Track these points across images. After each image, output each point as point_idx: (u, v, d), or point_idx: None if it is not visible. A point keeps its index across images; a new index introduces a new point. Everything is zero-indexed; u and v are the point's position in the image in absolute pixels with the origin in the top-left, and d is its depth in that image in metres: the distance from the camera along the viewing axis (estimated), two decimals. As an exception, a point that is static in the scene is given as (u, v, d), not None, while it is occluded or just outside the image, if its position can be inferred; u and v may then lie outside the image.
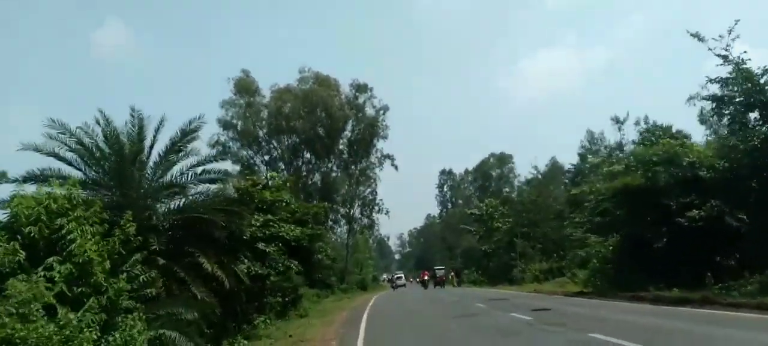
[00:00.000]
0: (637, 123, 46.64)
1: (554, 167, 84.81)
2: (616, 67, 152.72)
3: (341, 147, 58.81)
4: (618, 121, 47.20)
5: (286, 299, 24.33)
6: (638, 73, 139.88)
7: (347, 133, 58.42)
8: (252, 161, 56.16)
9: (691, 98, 38.35)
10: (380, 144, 60.47)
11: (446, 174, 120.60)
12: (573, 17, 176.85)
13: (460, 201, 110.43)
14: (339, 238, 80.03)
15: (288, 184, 30.06)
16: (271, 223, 21.60)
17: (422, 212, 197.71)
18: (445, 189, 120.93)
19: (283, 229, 22.02)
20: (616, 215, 27.15)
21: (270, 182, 27.62)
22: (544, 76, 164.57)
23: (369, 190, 64.61)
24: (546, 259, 47.09)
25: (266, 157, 57.06)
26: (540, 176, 55.44)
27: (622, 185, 25.49)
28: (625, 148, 47.65)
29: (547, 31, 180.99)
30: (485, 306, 23.29)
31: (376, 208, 64.82)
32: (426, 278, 59.50)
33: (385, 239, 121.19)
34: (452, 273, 62.34)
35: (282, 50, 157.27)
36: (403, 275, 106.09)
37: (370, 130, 58.59)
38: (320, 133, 56.08)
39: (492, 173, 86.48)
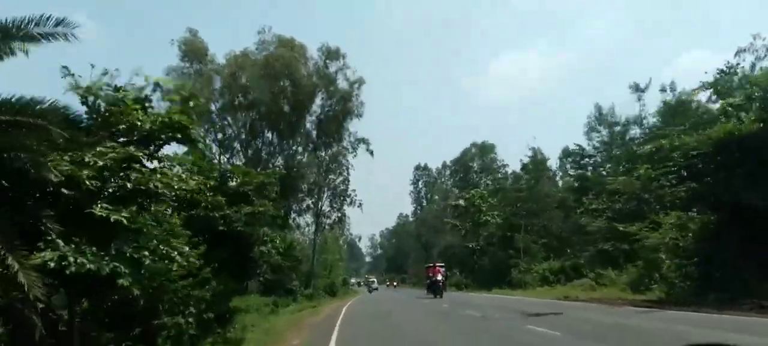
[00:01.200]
0: (663, 90, 38.25)
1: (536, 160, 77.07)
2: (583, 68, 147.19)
3: (309, 126, 49.19)
4: (637, 89, 38.70)
5: (206, 316, 14.65)
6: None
7: (316, 108, 48.83)
8: (200, 143, 46.11)
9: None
10: (353, 125, 51.11)
11: (421, 169, 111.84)
12: (542, 21, 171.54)
13: (436, 197, 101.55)
14: (306, 237, 70.58)
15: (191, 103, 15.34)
16: (137, 163, 10.32)
17: (393, 212, 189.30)
18: (419, 185, 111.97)
19: (175, 182, 10.63)
20: (706, 181, 18.32)
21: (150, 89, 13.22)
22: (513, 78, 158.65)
23: (340, 179, 55.19)
24: (554, 256, 38.27)
25: (219, 136, 47.00)
26: (539, 156, 46.49)
27: (724, 133, 16.73)
28: (644, 122, 39.30)
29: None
30: (547, 331, 13.55)
31: (348, 200, 55.38)
32: (439, 277, 38.79)
33: (356, 239, 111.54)
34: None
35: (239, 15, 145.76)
36: (376, 279, 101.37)
37: (343, 107, 49.07)
38: (284, 108, 46.34)
39: (472, 164, 77.75)
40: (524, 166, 44.88)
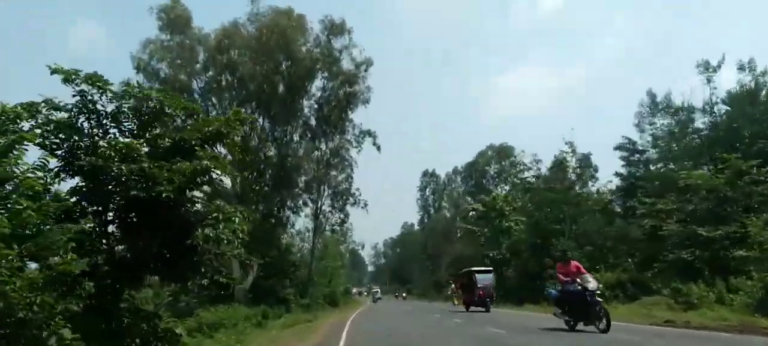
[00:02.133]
0: (741, 68, 30.80)
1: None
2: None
3: (306, 111, 41.94)
4: (708, 68, 31.35)
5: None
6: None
7: (315, 91, 41.61)
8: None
9: None
10: (358, 116, 44.00)
11: (429, 176, 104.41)
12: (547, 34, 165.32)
13: (446, 204, 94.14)
14: (304, 243, 63.15)
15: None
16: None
17: (397, 221, 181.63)
18: (427, 192, 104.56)
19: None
20: None
21: None
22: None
23: (343, 176, 47.90)
24: (610, 267, 30.72)
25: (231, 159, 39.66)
26: (575, 153, 38.76)
27: None
28: (714, 109, 31.87)
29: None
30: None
31: (351, 199, 48.03)
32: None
33: (359, 248, 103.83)
34: (453, 287, 44.87)
35: None
36: (379, 290, 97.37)
37: (347, 92, 41.84)
38: (278, 88, 39.12)
39: (488, 168, 70.25)
40: (560, 163, 37.41)
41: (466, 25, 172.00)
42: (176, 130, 10.92)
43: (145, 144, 10.48)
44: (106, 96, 10.08)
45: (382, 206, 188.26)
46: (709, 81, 31.42)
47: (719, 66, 31.30)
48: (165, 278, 11.08)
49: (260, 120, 40.21)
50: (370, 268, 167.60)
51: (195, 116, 11.27)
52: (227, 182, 39.73)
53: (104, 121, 10.14)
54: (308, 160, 39.07)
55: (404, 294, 78.59)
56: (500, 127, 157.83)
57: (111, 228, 10.49)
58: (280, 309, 36.22)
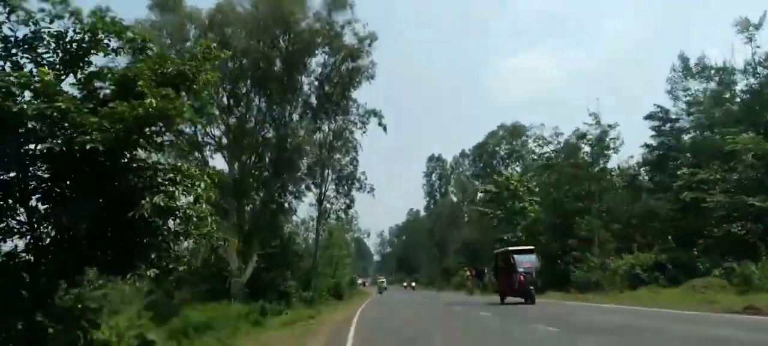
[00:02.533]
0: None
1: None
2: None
3: (306, 89, 38.91)
4: (747, 27, 28.03)
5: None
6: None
7: (316, 67, 38.54)
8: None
9: None
10: (362, 94, 41.09)
11: (435, 160, 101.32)
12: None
13: (453, 189, 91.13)
14: (308, 231, 60.30)
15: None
16: None
17: (403, 208, 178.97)
18: (433, 177, 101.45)
19: None
20: None
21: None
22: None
23: (348, 159, 44.97)
24: (643, 246, 27.63)
25: (197, 105, 36.67)
26: (599, 125, 35.04)
27: None
28: (757, 70, 28.59)
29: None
30: None
31: (356, 184, 45.10)
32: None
33: (364, 236, 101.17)
34: (468, 275, 41.60)
35: None
36: (385, 280, 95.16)
37: (350, 68, 38.77)
38: (276, 64, 36.07)
39: (498, 149, 66.94)
40: (582, 136, 34.17)
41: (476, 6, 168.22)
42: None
43: (77, 87, 7.59)
44: (18, 16, 7.16)
45: (388, 193, 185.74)
46: (750, 40, 28.25)
47: (761, 24, 28.11)
48: (103, 269, 8.13)
49: (257, 100, 37.28)
50: (376, 257, 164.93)
51: (146, 50, 8.32)
52: (223, 165, 37.01)
53: (13, 50, 7.21)
54: (310, 141, 36.04)
55: (413, 284, 75.44)
56: (510, 109, 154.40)
57: (35, 202, 7.59)
58: (281, 305, 33.41)
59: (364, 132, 44.14)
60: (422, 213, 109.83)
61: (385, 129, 43.88)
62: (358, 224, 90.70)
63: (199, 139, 35.50)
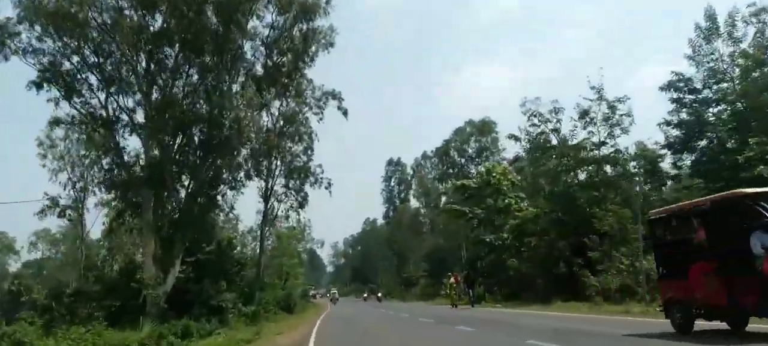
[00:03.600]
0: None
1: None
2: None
3: (251, 55, 30.97)
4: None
5: None
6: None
7: (263, 29, 30.69)
8: (76, 76, 27.30)
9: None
10: (317, 73, 33.58)
11: (394, 164, 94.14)
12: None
13: (414, 194, 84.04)
14: (254, 239, 51.92)
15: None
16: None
17: (358, 218, 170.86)
18: (391, 183, 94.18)
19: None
20: None
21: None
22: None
23: (301, 147, 37.04)
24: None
25: (106, 72, 27.82)
26: (603, 101, 27.82)
27: None
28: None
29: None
30: None
31: (311, 178, 37.16)
32: None
33: (318, 246, 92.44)
34: (452, 282, 33.25)
35: None
36: (337, 291, 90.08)
37: (304, 31, 31.05)
38: (209, 19, 27.81)
39: (466, 147, 59.97)
40: (584, 114, 27.21)
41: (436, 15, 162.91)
42: None
43: None
44: None
45: (343, 202, 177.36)
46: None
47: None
48: None
49: (187, 67, 28.98)
50: (329, 268, 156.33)
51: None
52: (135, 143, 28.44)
53: None
54: (253, 120, 27.84)
55: (379, 294, 66.41)
56: (470, 114, 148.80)
57: None
58: (212, 323, 25.27)
59: (320, 118, 36.55)
60: (380, 222, 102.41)
61: (345, 114, 36.47)
62: (311, 233, 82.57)
63: (111, 113, 27.10)
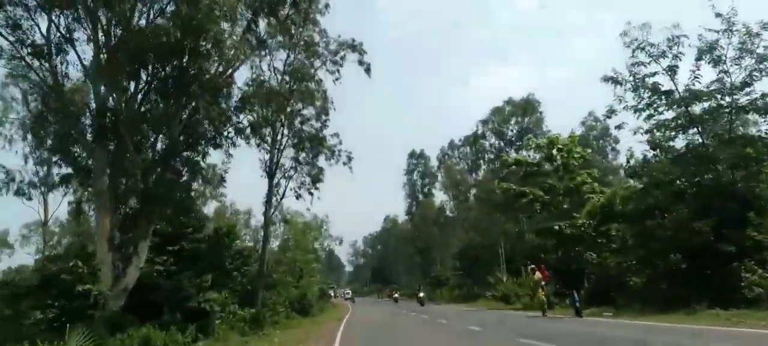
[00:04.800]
0: None
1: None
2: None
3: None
4: None
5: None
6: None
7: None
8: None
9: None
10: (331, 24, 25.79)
11: (417, 157, 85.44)
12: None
13: (440, 187, 75.31)
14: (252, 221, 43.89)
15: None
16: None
17: (377, 217, 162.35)
18: (414, 176, 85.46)
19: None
20: None
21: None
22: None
23: (313, 111, 28.75)
24: None
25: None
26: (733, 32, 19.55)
27: None
28: None
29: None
30: None
31: (326, 151, 28.84)
32: None
33: (336, 243, 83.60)
34: (540, 275, 23.34)
35: None
36: (351, 291, 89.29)
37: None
38: None
39: (504, 129, 50.98)
40: (709, 49, 18.31)
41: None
42: None
43: None
44: None
45: (362, 197, 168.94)
46: None
47: None
48: None
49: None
50: (348, 268, 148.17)
51: None
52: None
53: None
54: (242, 47, 19.42)
55: (396, 295, 57.79)
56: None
57: None
58: (188, 331, 17.19)
59: (336, 78, 28.17)
60: (402, 219, 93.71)
61: (368, 70, 28.17)
62: (329, 230, 74.39)
63: (52, 37, 18.91)
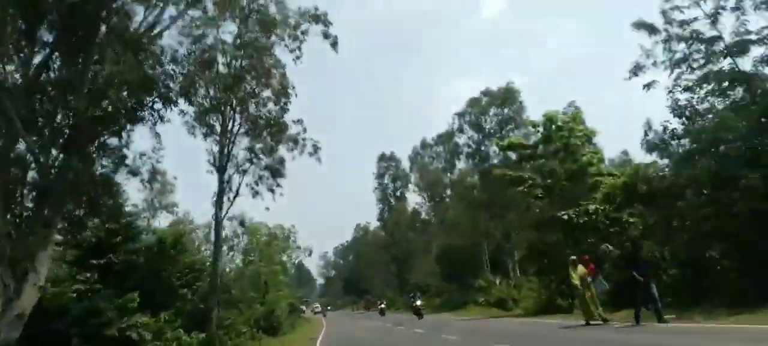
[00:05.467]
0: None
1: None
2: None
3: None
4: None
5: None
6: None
7: None
8: None
9: None
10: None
11: (387, 159, 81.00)
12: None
13: (414, 189, 70.92)
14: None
15: None
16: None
17: (348, 227, 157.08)
18: (385, 180, 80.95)
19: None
20: None
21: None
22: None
23: (271, 94, 23.87)
24: None
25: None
26: None
27: None
28: None
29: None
30: None
31: (288, 142, 24.08)
32: None
33: (305, 254, 77.68)
34: (583, 268, 18.05)
35: None
36: (319, 304, 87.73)
37: None
38: None
39: (484, 119, 46.43)
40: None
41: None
42: None
43: None
44: None
45: (330, 208, 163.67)
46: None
47: None
48: None
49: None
50: (320, 280, 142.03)
51: None
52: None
53: None
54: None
55: (382, 305, 50.58)
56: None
57: None
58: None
59: (297, 56, 23.49)
60: (373, 225, 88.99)
61: (334, 45, 23.58)
62: (297, 242, 68.89)
63: None
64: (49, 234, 14.19)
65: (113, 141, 16.03)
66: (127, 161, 16.26)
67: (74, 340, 13.14)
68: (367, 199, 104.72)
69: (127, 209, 23.07)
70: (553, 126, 24.34)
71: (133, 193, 49.63)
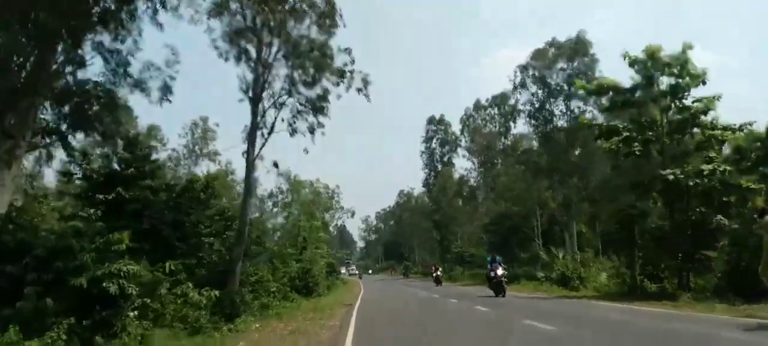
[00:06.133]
0: None
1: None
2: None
3: None
4: None
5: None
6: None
7: None
8: None
9: None
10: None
11: (436, 123, 76.30)
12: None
13: (465, 153, 66.21)
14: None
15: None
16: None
17: (390, 193, 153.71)
18: (433, 144, 76.35)
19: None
20: None
21: None
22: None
23: (313, 18, 19.77)
24: None
25: None
26: None
27: None
28: None
29: None
30: None
31: (333, 76, 19.99)
32: None
33: (348, 216, 74.51)
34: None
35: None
36: (355, 267, 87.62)
37: None
38: None
39: (550, 73, 40.70)
40: None
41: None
42: None
43: None
44: None
45: (374, 174, 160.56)
46: None
47: None
48: None
49: None
50: (360, 243, 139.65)
51: None
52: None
53: None
54: None
55: (438, 271, 44.78)
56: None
57: None
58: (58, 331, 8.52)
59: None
60: (417, 191, 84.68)
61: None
62: (340, 203, 65.87)
63: None
64: (12, 147, 10.64)
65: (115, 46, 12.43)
66: (131, 70, 12.51)
67: (26, 289, 9.58)
68: (410, 168, 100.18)
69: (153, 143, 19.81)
70: (656, 64, 19.11)
71: (173, 138, 46.61)
